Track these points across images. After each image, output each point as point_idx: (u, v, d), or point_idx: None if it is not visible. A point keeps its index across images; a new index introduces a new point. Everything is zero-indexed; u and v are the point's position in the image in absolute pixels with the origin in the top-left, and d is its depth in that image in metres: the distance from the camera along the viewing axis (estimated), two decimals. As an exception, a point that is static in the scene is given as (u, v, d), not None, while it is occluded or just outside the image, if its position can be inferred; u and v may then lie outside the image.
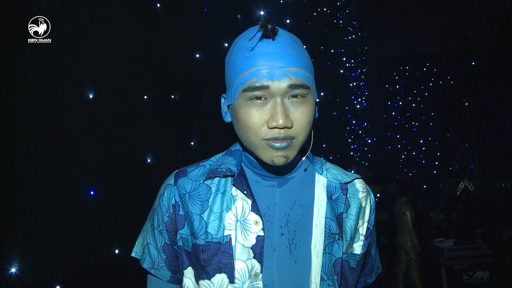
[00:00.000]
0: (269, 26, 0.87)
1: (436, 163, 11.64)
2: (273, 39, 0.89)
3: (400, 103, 12.79)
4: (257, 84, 0.86)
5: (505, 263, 1.98)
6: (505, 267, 1.99)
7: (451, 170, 9.55)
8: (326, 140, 6.06)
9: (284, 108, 0.87)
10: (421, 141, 12.29)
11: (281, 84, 0.86)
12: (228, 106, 0.97)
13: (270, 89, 0.86)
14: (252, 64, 0.88)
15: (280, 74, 0.86)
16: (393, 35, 10.50)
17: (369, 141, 11.03)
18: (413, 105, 12.55)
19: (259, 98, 0.88)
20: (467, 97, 9.67)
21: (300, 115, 0.89)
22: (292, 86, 0.87)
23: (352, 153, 8.82)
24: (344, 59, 7.88)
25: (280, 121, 0.85)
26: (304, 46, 0.97)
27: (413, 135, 12.46)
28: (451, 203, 8.74)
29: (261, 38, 0.90)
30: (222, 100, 1.00)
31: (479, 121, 9.74)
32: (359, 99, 9.91)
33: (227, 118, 0.99)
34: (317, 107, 0.98)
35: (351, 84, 9.02)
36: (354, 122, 9.09)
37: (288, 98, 0.89)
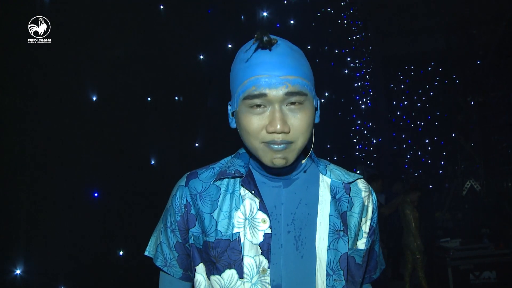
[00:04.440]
0: (265, 38, 0.91)
1: (442, 162, 11.57)
2: (270, 50, 0.94)
3: (405, 102, 12.74)
4: (255, 92, 0.91)
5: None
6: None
7: (456, 169, 9.52)
8: (331, 141, 6.04)
9: (282, 115, 0.92)
10: (427, 140, 12.22)
11: (278, 92, 0.91)
12: (232, 113, 1.03)
13: (268, 96, 0.91)
14: (251, 74, 0.93)
15: (277, 83, 0.91)
16: (397, 34, 10.47)
17: (375, 141, 11.00)
18: (418, 104, 12.49)
19: (258, 105, 0.93)
20: (472, 96, 9.63)
21: (298, 121, 0.93)
22: (289, 94, 0.92)
23: (357, 153, 8.80)
24: (348, 59, 7.88)
25: (278, 127, 0.90)
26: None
27: (419, 135, 12.40)
28: (457, 202, 8.71)
29: (256, 50, 0.95)
30: (229, 107, 1.06)
31: (484, 120, 9.68)
32: (364, 99, 9.89)
33: (233, 124, 1.04)
34: (318, 112, 1.03)
35: (356, 84, 9.01)
36: (359, 122, 9.07)
37: (286, 105, 0.93)
